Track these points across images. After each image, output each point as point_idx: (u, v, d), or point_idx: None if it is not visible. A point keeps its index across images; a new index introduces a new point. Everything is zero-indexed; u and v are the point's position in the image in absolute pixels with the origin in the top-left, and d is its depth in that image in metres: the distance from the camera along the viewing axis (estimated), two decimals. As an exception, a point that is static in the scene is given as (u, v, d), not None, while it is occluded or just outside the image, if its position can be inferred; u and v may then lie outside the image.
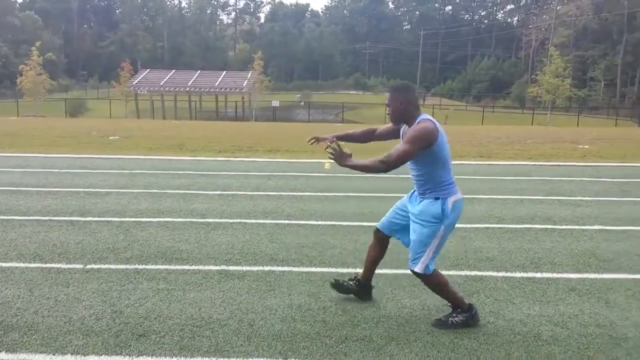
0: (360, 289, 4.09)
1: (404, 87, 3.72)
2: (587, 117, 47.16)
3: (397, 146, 3.50)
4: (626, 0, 65.96)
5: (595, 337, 3.57)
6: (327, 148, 3.62)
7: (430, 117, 3.55)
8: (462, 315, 3.69)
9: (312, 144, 4.19)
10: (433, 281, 3.69)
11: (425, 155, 3.48)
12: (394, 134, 3.88)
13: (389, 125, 3.90)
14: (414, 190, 3.76)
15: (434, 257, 3.62)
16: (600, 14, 70.02)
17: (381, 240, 4.03)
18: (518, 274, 4.74)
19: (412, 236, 3.64)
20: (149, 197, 7.92)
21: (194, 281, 4.48)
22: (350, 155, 3.51)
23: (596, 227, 6.44)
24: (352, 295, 4.16)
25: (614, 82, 65.12)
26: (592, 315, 3.90)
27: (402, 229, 3.84)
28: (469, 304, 3.73)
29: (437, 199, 3.55)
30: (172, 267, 4.83)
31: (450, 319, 3.71)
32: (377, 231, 4.03)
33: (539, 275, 4.74)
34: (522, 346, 3.43)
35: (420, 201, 3.64)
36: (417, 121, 3.54)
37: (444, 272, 4.65)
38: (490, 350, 3.38)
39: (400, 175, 9.91)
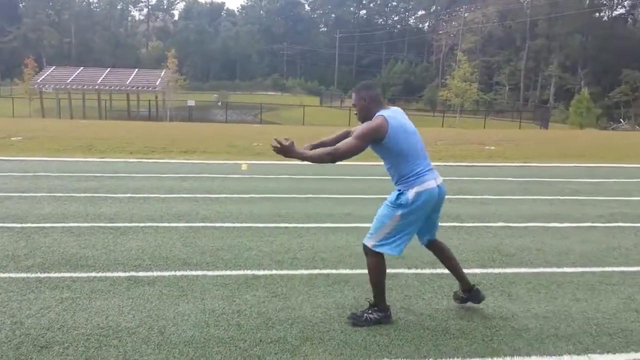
0: (471, 296, 4.02)
1: (365, 85, 3.82)
2: (493, 119, 49.65)
3: (346, 139, 3.60)
4: (528, 9, 70.09)
5: (499, 329, 3.75)
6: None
7: (388, 112, 3.63)
8: (377, 314, 3.77)
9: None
10: (374, 262, 3.74)
11: (380, 149, 3.62)
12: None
13: (340, 132, 4.06)
14: None
15: (390, 241, 3.65)
16: (504, 22, 74.04)
17: (434, 250, 4.04)
18: (427, 271, 4.90)
19: (377, 213, 3.79)
20: (53, 201, 7.51)
21: (100, 289, 4.29)
22: (292, 145, 3.48)
23: (500, 224, 6.78)
24: (267, 298, 4.15)
25: (518, 87, 69.09)
26: (496, 308, 4.10)
27: (424, 229, 3.88)
28: (388, 305, 3.81)
29: (399, 191, 3.65)
30: (77, 274, 4.60)
31: (365, 314, 3.78)
32: (426, 246, 4.04)
33: (446, 271, 4.89)
34: (430, 340, 3.54)
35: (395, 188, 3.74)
36: (374, 117, 3.62)
37: (357, 271, 4.75)
38: (401, 345, 3.46)
39: (318, 177, 10.01)
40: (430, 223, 3.85)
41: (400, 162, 3.62)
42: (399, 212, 3.62)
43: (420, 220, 3.69)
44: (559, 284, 4.65)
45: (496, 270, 4.98)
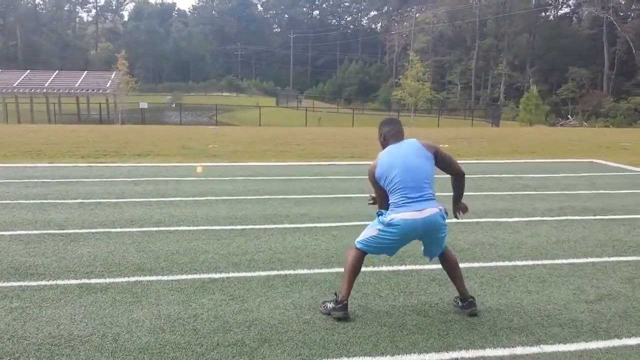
0: (467, 305, 3.99)
1: (385, 121, 4.14)
2: (446, 118, 50.66)
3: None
4: (477, 9, 71.75)
5: (454, 323, 3.82)
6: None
7: (387, 150, 3.96)
8: (333, 304, 3.86)
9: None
10: (350, 255, 3.94)
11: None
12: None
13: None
14: None
15: (371, 243, 3.86)
16: (454, 22, 75.60)
17: (442, 262, 4.10)
18: (384, 268, 4.95)
19: None
20: (0, 208, 7.24)
21: (51, 297, 4.16)
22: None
23: (453, 220, 6.86)
24: (224, 301, 4.11)
25: (469, 85, 70.64)
26: (451, 303, 4.17)
27: (427, 246, 4.00)
28: (345, 303, 3.84)
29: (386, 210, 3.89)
30: (26, 283, 4.45)
31: (326, 302, 3.95)
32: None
33: (403, 267, 4.99)
34: (388, 337, 3.58)
35: None
36: None
37: (315, 270, 4.76)
38: (359, 343, 3.49)
39: (274, 178, 9.98)
40: (427, 247, 3.98)
41: (389, 192, 3.86)
42: (378, 226, 3.84)
43: (396, 243, 3.85)
44: (511, 277, 4.77)
45: (451, 266, 5.06)
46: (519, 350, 3.43)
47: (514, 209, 7.66)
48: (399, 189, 3.78)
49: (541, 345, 3.50)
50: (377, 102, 68.83)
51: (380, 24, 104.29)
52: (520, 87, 62.86)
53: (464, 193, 4.31)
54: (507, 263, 5.18)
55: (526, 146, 17.45)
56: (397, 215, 3.73)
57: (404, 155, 3.85)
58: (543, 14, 73.11)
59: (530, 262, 5.20)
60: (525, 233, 6.28)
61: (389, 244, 3.85)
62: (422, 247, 4.04)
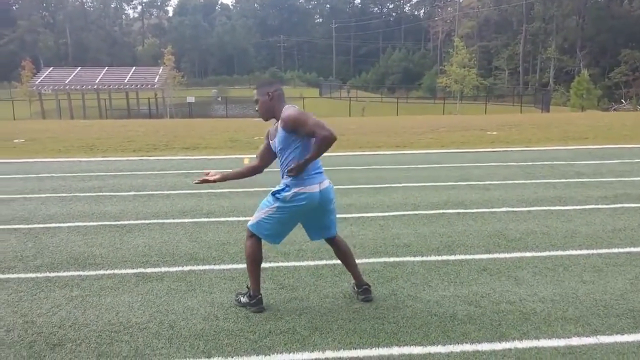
0: (360, 292, 4.00)
1: (268, 81, 3.83)
2: (494, 104, 49.51)
3: (310, 123, 3.51)
4: (524, -8, 69.73)
5: (507, 313, 3.77)
6: None
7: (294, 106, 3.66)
8: (247, 299, 3.84)
9: (197, 183, 4.20)
10: (248, 244, 3.82)
11: (294, 140, 3.60)
12: (269, 152, 3.96)
13: (260, 148, 4.07)
14: None
15: (266, 224, 3.75)
16: (500, 6, 73.67)
17: (332, 246, 4.05)
18: (433, 258, 4.92)
19: None
20: (58, 201, 7.54)
21: (109, 286, 4.32)
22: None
23: (504, 209, 6.80)
24: (275, 290, 4.18)
25: (517, 71, 68.89)
26: (503, 293, 4.12)
27: (312, 230, 3.94)
28: (259, 297, 3.80)
29: (284, 185, 3.72)
30: (85, 272, 4.63)
31: (240, 295, 3.93)
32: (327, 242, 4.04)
33: (452, 257, 4.95)
34: (439, 327, 3.57)
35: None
36: (283, 111, 3.63)
37: (363, 260, 4.77)
38: (409, 332, 3.49)
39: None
40: (319, 224, 3.86)
41: (303, 157, 3.59)
42: (276, 204, 3.71)
43: (294, 219, 3.77)
44: (565, 267, 4.66)
45: (502, 255, 4.99)
46: (575, 341, 3.36)
47: (566, 196, 7.46)
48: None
49: (598, 336, 3.42)
50: (421, 90, 67.92)
51: (423, 10, 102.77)
52: (571, 71, 60.93)
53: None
54: (560, 252, 5.06)
55: (578, 132, 16.92)
56: (306, 188, 3.64)
57: None
58: (593, -5, 70.49)
59: (585, 252, 5.07)
60: (579, 221, 6.12)
61: (289, 222, 3.76)
62: (307, 231, 3.96)
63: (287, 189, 3.69)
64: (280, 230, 3.79)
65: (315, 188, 3.66)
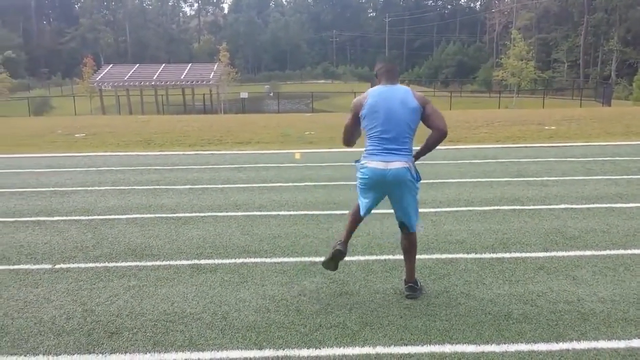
0: (407, 288, 4.01)
1: (379, 59, 3.98)
2: (552, 98, 47.94)
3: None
4: (585, -18, 67.10)
5: (564, 313, 3.65)
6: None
7: (376, 89, 3.83)
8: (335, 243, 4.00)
9: None
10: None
11: (360, 123, 3.90)
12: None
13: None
14: None
15: (359, 193, 3.96)
16: (560, -4, 71.13)
17: (403, 233, 4.08)
18: (487, 255, 4.82)
19: None
20: (117, 194, 7.80)
21: (165, 276, 4.44)
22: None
23: (562, 205, 6.58)
24: (325, 284, 4.19)
25: (577, 63, 66.37)
26: (561, 292, 3.99)
27: (394, 205, 4.01)
28: (339, 242, 3.97)
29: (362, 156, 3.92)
30: (142, 263, 4.78)
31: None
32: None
33: (507, 255, 4.83)
34: (493, 325, 3.49)
35: None
36: None
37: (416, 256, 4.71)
38: (462, 330, 3.43)
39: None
40: (396, 205, 3.92)
41: (366, 136, 3.86)
42: (357, 174, 3.94)
43: (369, 192, 3.87)
44: (627, 267, 4.48)
45: (560, 254, 4.84)
46: (635, 343, 3.23)
47: (628, 193, 7.16)
48: (376, 137, 3.77)
49: (662, 339, 3.27)
50: (476, 83, 66.46)
51: (479, 2, 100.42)
52: (634, 63, 58.20)
53: (433, 150, 4.00)
54: (621, 251, 4.86)
55: (642, 127, 16.18)
56: (366, 162, 3.80)
57: (391, 102, 3.74)
58: (660, -17, 67.09)
59: (648, 251, 4.85)
60: (642, 220, 5.86)
61: (364, 193, 3.89)
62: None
63: (358, 160, 3.91)
64: (362, 200, 3.95)
65: (377, 164, 3.73)
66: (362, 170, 3.84)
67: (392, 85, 3.83)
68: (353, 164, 4.00)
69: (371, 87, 3.93)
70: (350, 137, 4.04)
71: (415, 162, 3.83)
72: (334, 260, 3.96)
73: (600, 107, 37.21)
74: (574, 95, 49.53)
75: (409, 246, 3.98)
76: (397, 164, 3.71)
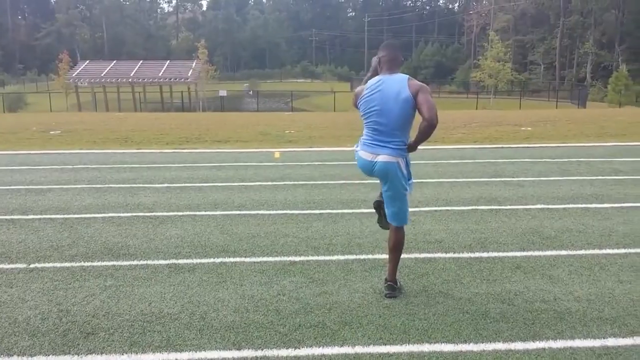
0: (386, 287, 4.02)
1: (382, 45, 4.06)
2: (528, 99, 48.60)
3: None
4: (562, -15, 68.11)
5: (541, 312, 3.69)
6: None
7: (377, 79, 3.87)
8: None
9: None
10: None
11: None
12: None
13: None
14: None
15: None
16: (537, -1, 72.08)
17: (390, 231, 4.16)
18: (465, 255, 4.86)
19: None
20: (93, 192, 7.69)
21: (142, 276, 4.39)
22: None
23: (539, 206, 6.67)
24: (304, 284, 4.18)
25: (553, 65, 67.35)
26: (537, 291, 4.04)
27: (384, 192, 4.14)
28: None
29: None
30: (119, 263, 4.71)
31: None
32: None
33: (485, 254, 4.87)
34: (471, 324, 3.52)
35: None
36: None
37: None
38: (440, 330, 3.45)
39: (350, 163, 9.98)
40: (383, 195, 4.03)
41: (363, 124, 3.98)
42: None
43: (367, 176, 4.11)
44: (602, 266, 4.55)
45: (536, 253, 4.90)
46: (611, 342, 3.28)
47: (603, 194, 7.28)
48: (370, 127, 3.88)
49: (635, 337, 3.33)
50: (454, 84, 67.08)
51: (457, 3, 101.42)
52: (609, 66, 59.30)
53: (424, 141, 4.02)
54: (597, 251, 4.94)
55: (616, 128, 16.47)
56: (360, 152, 3.95)
57: (386, 93, 3.77)
58: (633, -12, 68.36)
59: (622, 250, 4.94)
60: (616, 220, 5.96)
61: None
62: None
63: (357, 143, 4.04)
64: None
65: (364, 155, 3.90)
66: (355, 156, 4.02)
67: (390, 75, 3.83)
68: (354, 148, 4.12)
69: (371, 76, 3.98)
70: None
71: (410, 153, 3.98)
72: (378, 213, 4.20)
73: (575, 108, 37.82)
74: (549, 97, 50.32)
75: (394, 244, 3.98)
76: (384, 157, 3.80)
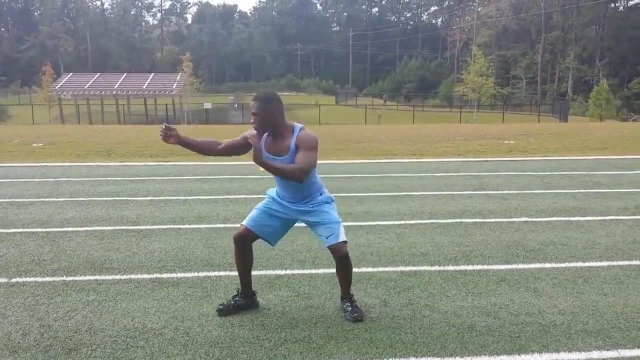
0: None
1: (274, 97, 3.75)
2: (511, 113, 49.21)
3: (300, 155, 3.63)
4: (542, 1, 69.35)
5: (526, 325, 3.70)
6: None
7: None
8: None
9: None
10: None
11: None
12: (238, 149, 4.01)
13: (234, 140, 4.04)
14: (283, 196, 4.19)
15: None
16: (519, 15, 73.31)
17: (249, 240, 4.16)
18: (451, 267, 4.87)
19: (324, 220, 3.92)
20: (76, 205, 7.60)
21: (125, 291, 4.33)
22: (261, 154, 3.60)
23: (523, 219, 6.71)
24: (290, 298, 4.15)
25: (535, 80, 68.40)
26: (522, 304, 4.05)
27: (273, 232, 4.16)
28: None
29: (323, 194, 4.08)
30: (102, 277, 4.65)
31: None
32: (247, 231, 4.13)
33: (470, 267, 4.89)
34: (456, 338, 3.51)
35: (313, 202, 4.02)
36: (297, 129, 3.73)
37: (380, 269, 4.74)
38: (426, 343, 3.44)
39: (336, 176, 10.01)
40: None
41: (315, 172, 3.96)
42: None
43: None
44: (586, 279, 4.58)
45: (520, 266, 4.92)
46: (595, 355, 3.30)
47: (586, 207, 7.36)
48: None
49: (619, 350, 3.35)
50: (437, 98, 67.69)
51: (441, 19, 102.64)
52: (589, 81, 60.40)
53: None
54: (580, 264, 4.98)
55: (597, 142, 16.72)
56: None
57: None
58: (612, 4, 69.84)
59: (605, 263, 4.98)
60: (599, 232, 6.02)
61: None
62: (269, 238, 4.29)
63: (327, 194, 4.13)
64: None
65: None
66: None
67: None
68: (327, 195, 4.16)
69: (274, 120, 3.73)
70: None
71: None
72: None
73: (557, 122, 38.33)
74: (532, 111, 51.02)
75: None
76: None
